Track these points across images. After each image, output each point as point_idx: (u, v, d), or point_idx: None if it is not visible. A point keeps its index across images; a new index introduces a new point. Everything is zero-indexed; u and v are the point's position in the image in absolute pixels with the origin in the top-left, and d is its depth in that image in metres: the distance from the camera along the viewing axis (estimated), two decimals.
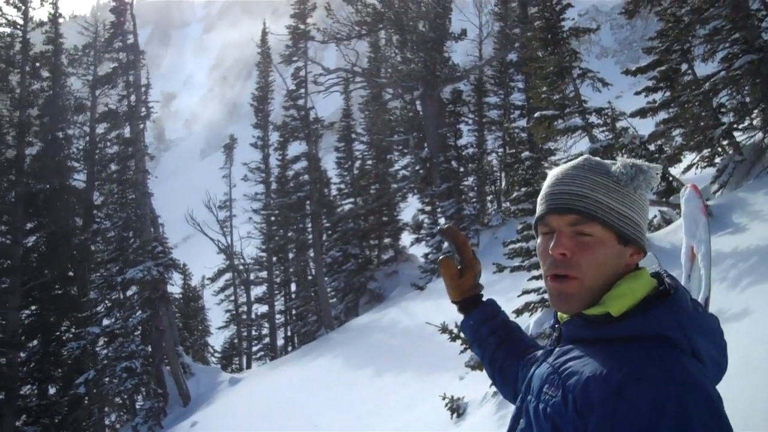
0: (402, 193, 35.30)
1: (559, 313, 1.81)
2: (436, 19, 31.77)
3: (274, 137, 38.53)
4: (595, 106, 15.89)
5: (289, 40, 34.61)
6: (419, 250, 32.83)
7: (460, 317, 2.49)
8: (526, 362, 2.15)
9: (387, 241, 35.94)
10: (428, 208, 32.21)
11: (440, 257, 2.42)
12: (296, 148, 36.59)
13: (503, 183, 33.08)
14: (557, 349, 1.76)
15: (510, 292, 15.96)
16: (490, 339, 2.35)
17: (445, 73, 31.29)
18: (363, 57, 34.99)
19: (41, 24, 33.72)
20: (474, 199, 31.56)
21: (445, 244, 28.08)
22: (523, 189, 13.52)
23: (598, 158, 1.77)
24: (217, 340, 42.79)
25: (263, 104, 39.46)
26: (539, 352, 2.00)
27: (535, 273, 11.85)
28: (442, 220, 29.66)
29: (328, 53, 49.43)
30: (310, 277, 36.21)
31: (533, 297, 12.35)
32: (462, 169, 31.76)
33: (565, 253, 1.68)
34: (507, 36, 32.19)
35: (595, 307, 1.68)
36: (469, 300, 2.41)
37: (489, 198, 34.03)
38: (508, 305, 16.14)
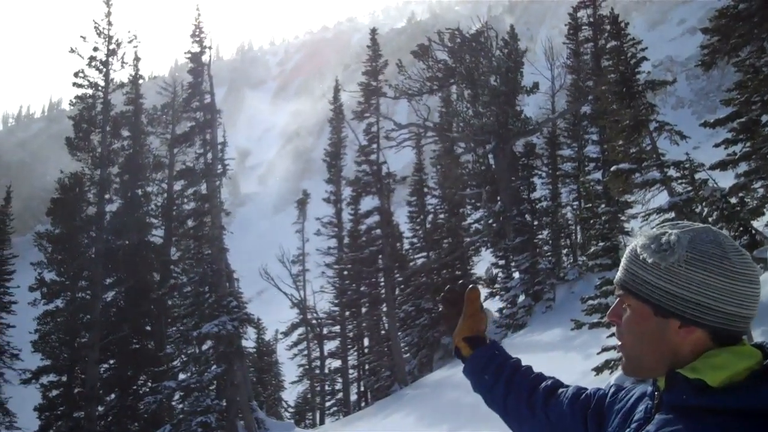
0: (475, 247, 35.05)
1: (658, 379, 1.75)
2: (507, 73, 31.76)
3: (347, 192, 38.82)
4: (673, 159, 15.59)
5: (361, 97, 35.06)
6: (493, 305, 32.43)
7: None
8: (577, 402, 2.07)
9: None
10: (502, 262, 31.89)
11: (471, 285, 2.37)
12: (368, 202, 36.78)
13: (579, 236, 32.58)
14: (659, 416, 1.68)
15: (589, 349, 15.60)
16: (506, 365, 2.29)
17: (517, 126, 31.15)
18: (434, 111, 35.11)
19: (122, 85, 34.86)
20: (549, 253, 31.09)
21: (521, 298, 27.72)
22: (601, 243, 13.29)
23: (655, 231, 1.73)
24: (291, 394, 42.74)
25: (336, 159, 39.85)
26: (620, 407, 1.93)
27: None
28: (516, 275, 29.29)
29: (399, 108, 49.83)
30: (383, 332, 36.05)
31: (613, 354, 12.02)
32: (536, 223, 31.42)
33: (616, 321, 1.77)
34: (580, 88, 31.96)
35: (686, 370, 1.63)
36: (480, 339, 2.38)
37: (564, 252, 33.50)
38: (587, 362, 15.77)
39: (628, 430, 1.77)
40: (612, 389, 2.03)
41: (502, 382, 2.25)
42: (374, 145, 35.38)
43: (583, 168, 31.94)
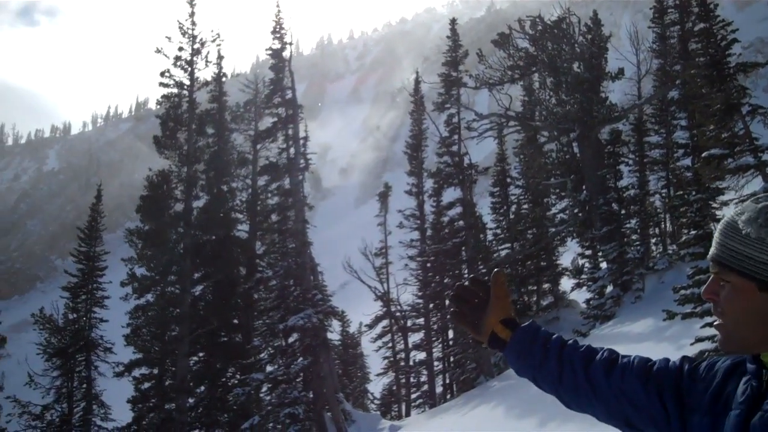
0: (560, 238, 34.52)
1: (763, 356, 1.69)
2: (591, 60, 31.11)
3: (429, 184, 38.67)
4: (767, 144, 15.00)
5: (442, 88, 34.87)
6: (580, 296, 31.92)
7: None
8: (652, 376, 1.94)
9: (546, 286, 35.18)
10: (588, 252, 31.33)
11: (496, 269, 2.25)
12: (451, 194, 36.58)
13: (668, 225, 31.76)
14: None
15: (681, 340, 15.16)
16: (552, 340, 2.15)
17: (602, 113, 30.49)
18: (516, 101, 34.70)
19: (206, 84, 35.43)
20: (637, 242, 30.34)
21: (609, 288, 27.17)
22: (692, 232, 12.87)
23: (759, 204, 1.64)
24: (376, 386, 42.93)
25: (417, 152, 39.75)
26: (705, 385, 1.84)
27: (709, 320, 11.17)
28: (603, 265, 28.74)
29: (480, 98, 49.40)
30: None
31: (707, 345, 11.62)
32: (623, 212, 30.70)
33: (712, 298, 1.73)
34: (667, 73, 31.12)
35: None
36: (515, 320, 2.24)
37: (653, 241, 32.71)
38: (679, 353, 15.25)
39: (734, 413, 1.68)
40: (686, 364, 1.91)
41: (553, 357, 2.09)
42: (455, 137, 35.19)
43: (671, 154, 31.12)
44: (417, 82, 40.73)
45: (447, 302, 35.37)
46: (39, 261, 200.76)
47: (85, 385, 32.08)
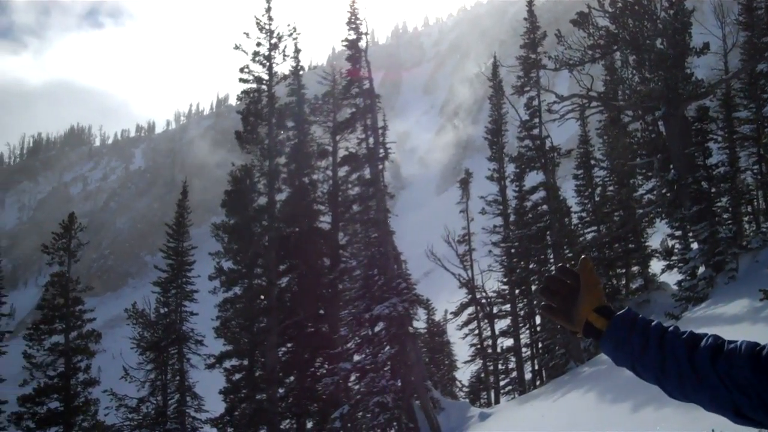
0: (648, 219, 33.74)
1: None
2: (674, 35, 30.18)
3: (510, 169, 38.32)
4: None
5: (520, 71, 34.44)
6: (671, 278, 31.15)
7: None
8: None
9: (635, 269, 34.47)
10: (678, 233, 30.51)
11: (582, 257, 2.15)
12: (533, 178, 36.16)
13: (761, 202, 30.72)
14: None
15: None
16: (651, 326, 2.02)
17: (688, 90, 29.57)
18: (598, 81, 33.98)
19: (284, 78, 35.78)
20: (729, 221, 29.42)
21: (701, 269, 26.44)
22: None
23: None
24: (464, 374, 42.78)
25: (497, 137, 39.39)
26: None
27: None
28: (694, 245, 27.94)
29: (560, 80, 48.63)
30: None
31: None
32: (714, 190, 29.79)
33: None
34: (755, 46, 30.04)
35: None
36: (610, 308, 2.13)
37: (746, 219, 31.70)
38: None
39: None
40: None
41: (654, 346, 1.96)
42: (536, 120, 34.74)
43: (762, 129, 30.07)
44: (495, 66, 40.30)
45: (535, 293, 35.02)
46: (129, 258, 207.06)
47: (178, 378, 32.93)
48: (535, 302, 34.57)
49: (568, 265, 2.22)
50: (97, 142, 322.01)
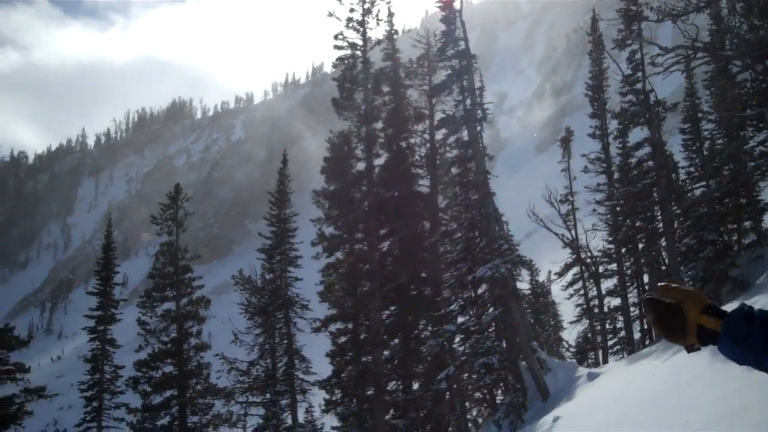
0: (761, 172, 32.43)
1: None
2: None
3: (613, 125, 37.40)
4: None
5: (621, 24, 33.40)
6: None
7: None
8: None
9: (747, 224, 33.25)
10: None
11: (661, 284, 2.16)
12: (637, 134, 35.16)
13: None
14: None
15: None
16: None
17: None
18: (704, 30, 32.68)
19: (378, 42, 35.77)
20: None
21: None
22: None
23: None
24: (570, 334, 42.38)
25: (598, 93, 38.41)
26: None
27: None
28: None
29: (663, 32, 46.98)
30: (663, 268, 34.52)
31: None
32: None
33: None
34: None
35: None
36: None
37: None
38: None
39: None
40: None
41: None
42: (639, 74, 33.65)
43: None
44: (594, 20, 39.23)
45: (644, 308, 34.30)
46: (234, 226, 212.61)
47: (285, 341, 33.77)
48: (644, 310, 33.78)
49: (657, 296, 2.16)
50: (198, 115, 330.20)
